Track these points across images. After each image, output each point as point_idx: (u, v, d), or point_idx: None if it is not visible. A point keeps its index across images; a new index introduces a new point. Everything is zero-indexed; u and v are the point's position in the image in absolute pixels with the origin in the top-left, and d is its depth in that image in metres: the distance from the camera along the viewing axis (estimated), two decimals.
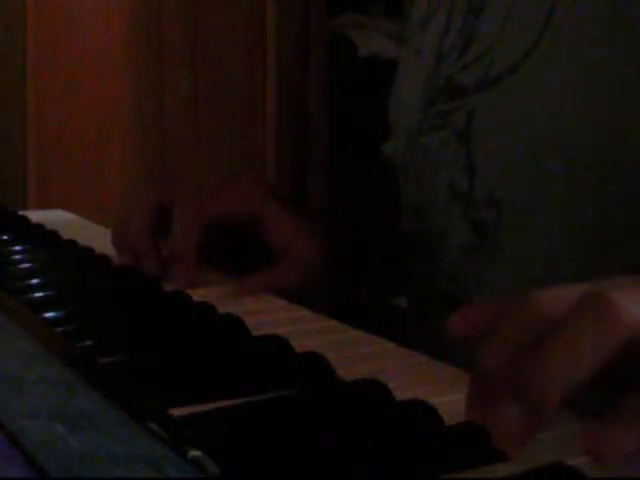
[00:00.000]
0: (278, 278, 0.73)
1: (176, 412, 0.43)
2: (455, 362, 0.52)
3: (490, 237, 0.68)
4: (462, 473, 0.39)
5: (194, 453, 0.36)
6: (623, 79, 0.61)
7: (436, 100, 0.73)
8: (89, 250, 0.78)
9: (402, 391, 0.45)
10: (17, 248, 0.79)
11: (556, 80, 0.64)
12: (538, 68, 0.65)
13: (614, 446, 0.37)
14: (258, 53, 2.01)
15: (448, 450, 0.40)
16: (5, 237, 0.84)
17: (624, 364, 0.39)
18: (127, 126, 1.98)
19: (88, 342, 0.53)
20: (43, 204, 1.88)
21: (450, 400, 0.46)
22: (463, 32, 0.72)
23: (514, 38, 0.67)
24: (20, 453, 0.36)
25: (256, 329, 0.57)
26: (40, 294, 0.64)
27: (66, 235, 0.84)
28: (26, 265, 0.73)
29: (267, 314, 0.64)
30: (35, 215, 0.95)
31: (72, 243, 0.81)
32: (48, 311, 0.59)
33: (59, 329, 0.55)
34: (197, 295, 0.65)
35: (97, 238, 0.82)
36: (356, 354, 0.55)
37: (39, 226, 0.89)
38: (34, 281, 0.67)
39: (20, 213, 0.96)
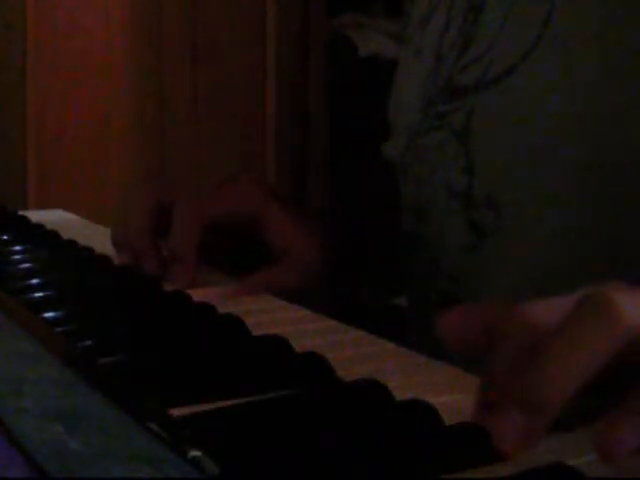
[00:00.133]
0: (278, 278, 0.73)
1: (176, 412, 0.43)
2: (455, 362, 0.52)
3: (489, 237, 0.68)
4: (462, 473, 0.39)
5: (194, 453, 0.36)
6: (622, 79, 0.61)
7: (436, 100, 0.73)
8: (89, 250, 0.78)
9: (402, 391, 0.45)
10: (17, 248, 0.79)
11: (555, 80, 0.64)
12: (537, 68, 0.65)
13: (624, 446, 0.37)
14: (258, 53, 2.01)
15: (448, 450, 0.40)
16: (5, 237, 0.84)
17: (623, 365, 0.39)
18: (127, 126, 1.98)
19: (88, 342, 0.53)
20: (43, 204, 1.88)
21: (450, 400, 0.46)
22: (463, 31, 0.72)
23: (513, 38, 0.67)
24: (20, 453, 0.36)
25: (256, 329, 0.57)
26: (40, 294, 0.64)
27: (66, 235, 0.84)
28: (26, 265, 0.73)
29: (267, 314, 0.64)
30: (35, 215, 0.95)
31: (72, 243, 0.81)
32: (48, 311, 0.59)
33: (59, 329, 0.55)
34: (197, 295, 0.65)
35: (97, 238, 0.82)
36: (356, 354, 0.55)
37: (39, 226, 0.89)
38: (34, 281, 0.67)
39: (20, 213, 0.96)
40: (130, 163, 1.98)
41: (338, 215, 0.85)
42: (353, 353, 0.55)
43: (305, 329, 0.60)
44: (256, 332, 0.56)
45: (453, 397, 0.46)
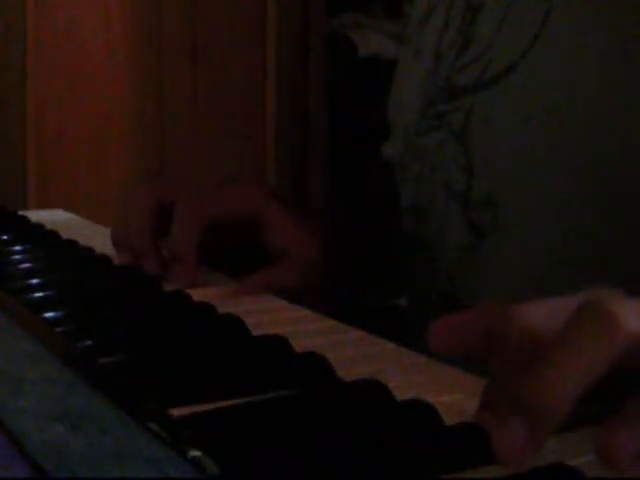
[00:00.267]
0: (278, 278, 0.73)
1: (176, 412, 0.43)
2: (455, 362, 0.52)
3: (488, 237, 0.68)
4: (462, 473, 0.39)
5: (194, 453, 0.36)
6: (622, 78, 0.61)
7: (435, 100, 0.74)
8: (89, 250, 0.78)
9: (402, 391, 0.45)
10: (17, 248, 0.79)
11: (554, 79, 0.64)
12: (536, 67, 0.65)
13: (625, 452, 0.37)
14: (258, 53, 2.01)
15: (448, 450, 0.40)
16: (5, 237, 0.84)
17: (623, 372, 0.39)
18: (127, 126, 1.98)
19: (88, 342, 0.53)
20: (43, 204, 1.88)
21: (450, 400, 0.46)
22: (462, 30, 0.72)
23: (512, 38, 0.67)
24: (20, 453, 0.36)
25: (256, 329, 0.57)
26: (40, 294, 0.64)
27: (66, 235, 0.84)
28: (26, 265, 0.73)
29: (267, 314, 0.64)
30: (35, 215, 0.95)
31: (72, 243, 0.81)
32: (48, 311, 0.59)
33: (59, 329, 0.55)
34: (197, 295, 0.65)
35: (97, 238, 0.82)
36: (356, 354, 0.55)
37: (39, 226, 0.89)
38: (34, 281, 0.67)
39: (20, 213, 0.96)
40: (130, 163, 1.98)
41: (338, 215, 0.85)
42: (353, 353, 0.55)
43: (305, 329, 0.60)
44: (256, 332, 0.56)
45: (453, 397, 0.46)
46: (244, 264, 0.77)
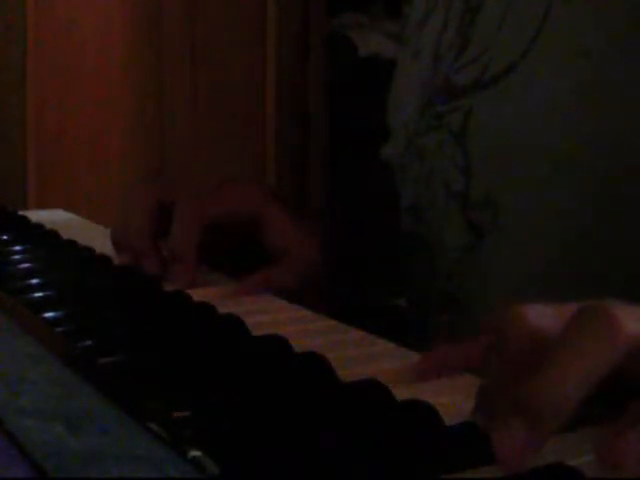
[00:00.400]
0: (278, 278, 0.73)
1: (176, 412, 0.43)
2: None
3: (487, 237, 0.68)
4: (462, 473, 0.39)
5: (194, 453, 0.36)
6: (622, 79, 0.61)
7: (434, 101, 0.74)
8: (89, 250, 0.78)
9: (402, 391, 0.45)
10: (17, 248, 0.79)
11: (553, 80, 0.64)
12: (535, 68, 0.65)
13: (630, 456, 0.37)
14: (258, 53, 2.01)
15: (448, 450, 0.40)
16: (5, 237, 0.84)
17: (624, 375, 0.39)
18: (127, 126, 1.98)
19: (88, 342, 0.53)
20: (43, 204, 1.88)
21: (450, 400, 0.46)
22: (460, 31, 0.72)
23: (511, 38, 0.67)
24: (20, 453, 0.36)
25: (256, 329, 0.57)
26: (40, 294, 0.64)
27: (66, 235, 0.84)
28: (26, 265, 0.73)
29: (267, 314, 0.64)
30: (35, 215, 0.95)
31: (72, 243, 0.81)
32: (48, 311, 0.59)
33: (59, 329, 0.55)
34: (197, 295, 0.65)
35: (97, 238, 0.82)
36: (356, 354, 0.55)
37: (39, 226, 0.89)
38: (34, 281, 0.67)
39: (20, 213, 0.96)
40: (130, 163, 1.98)
41: (338, 215, 0.85)
42: (353, 353, 0.55)
43: (305, 329, 0.60)
44: (256, 332, 0.56)
45: (453, 397, 0.46)
46: (244, 264, 0.77)
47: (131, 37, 1.97)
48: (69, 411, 0.40)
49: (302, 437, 0.41)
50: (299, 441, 0.40)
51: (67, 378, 0.45)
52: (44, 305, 0.60)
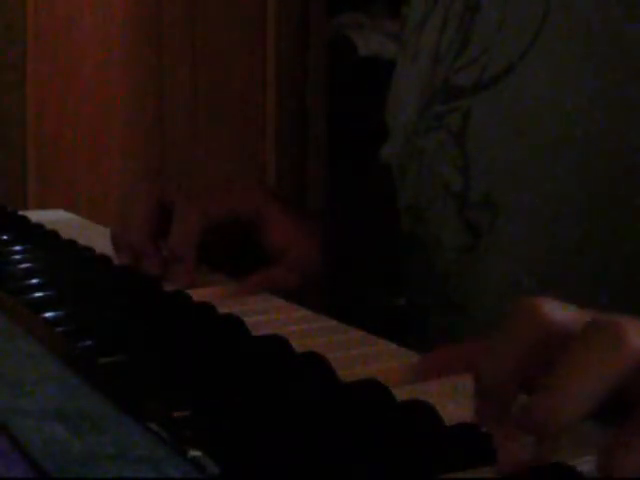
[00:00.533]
0: (278, 278, 0.73)
1: (176, 412, 0.43)
2: None
3: (485, 238, 0.68)
4: (462, 473, 0.39)
5: (194, 453, 0.36)
6: (621, 78, 0.61)
7: (433, 101, 0.74)
8: (89, 250, 0.78)
9: (402, 391, 0.45)
10: (17, 248, 0.79)
11: (553, 80, 0.64)
12: (534, 68, 0.65)
13: (633, 468, 0.37)
14: (258, 53, 2.01)
15: (448, 450, 0.40)
16: (5, 237, 0.84)
17: (630, 389, 0.38)
18: (127, 126, 1.98)
19: (88, 342, 0.53)
20: (43, 204, 1.88)
21: (450, 400, 0.46)
22: (460, 32, 0.72)
23: (510, 39, 0.67)
24: (20, 453, 0.36)
25: (256, 329, 0.57)
26: (40, 294, 0.64)
27: (66, 235, 0.84)
28: (26, 265, 0.73)
29: (267, 314, 0.64)
30: (35, 215, 0.95)
31: (72, 243, 0.81)
32: (48, 311, 0.59)
33: (59, 329, 0.55)
34: (197, 295, 0.65)
35: (97, 238, 0.82)
36: (356, 354, 0.55)
37: (39, 226, 0.89)
38: (34, 281, 0.67)
39: (20, 213, 0.96)
40: (130, 163, 1.98)
41: (338, 215, 0.86)
42: (353, 353, 0.55)
43: (305, 329, 0.60)
44: (256, 332, 0.56)
45: (453, 397, 0.46)
46: (244, 264, 0.77)
47: (131, 37, 1.96)
48: (69, 411, 0.40)
49: (302, 437, 0.41)
50: (299, 441, 0.40)
51: (67, 378, 0.45)
52: (44, 305, 0.60)
